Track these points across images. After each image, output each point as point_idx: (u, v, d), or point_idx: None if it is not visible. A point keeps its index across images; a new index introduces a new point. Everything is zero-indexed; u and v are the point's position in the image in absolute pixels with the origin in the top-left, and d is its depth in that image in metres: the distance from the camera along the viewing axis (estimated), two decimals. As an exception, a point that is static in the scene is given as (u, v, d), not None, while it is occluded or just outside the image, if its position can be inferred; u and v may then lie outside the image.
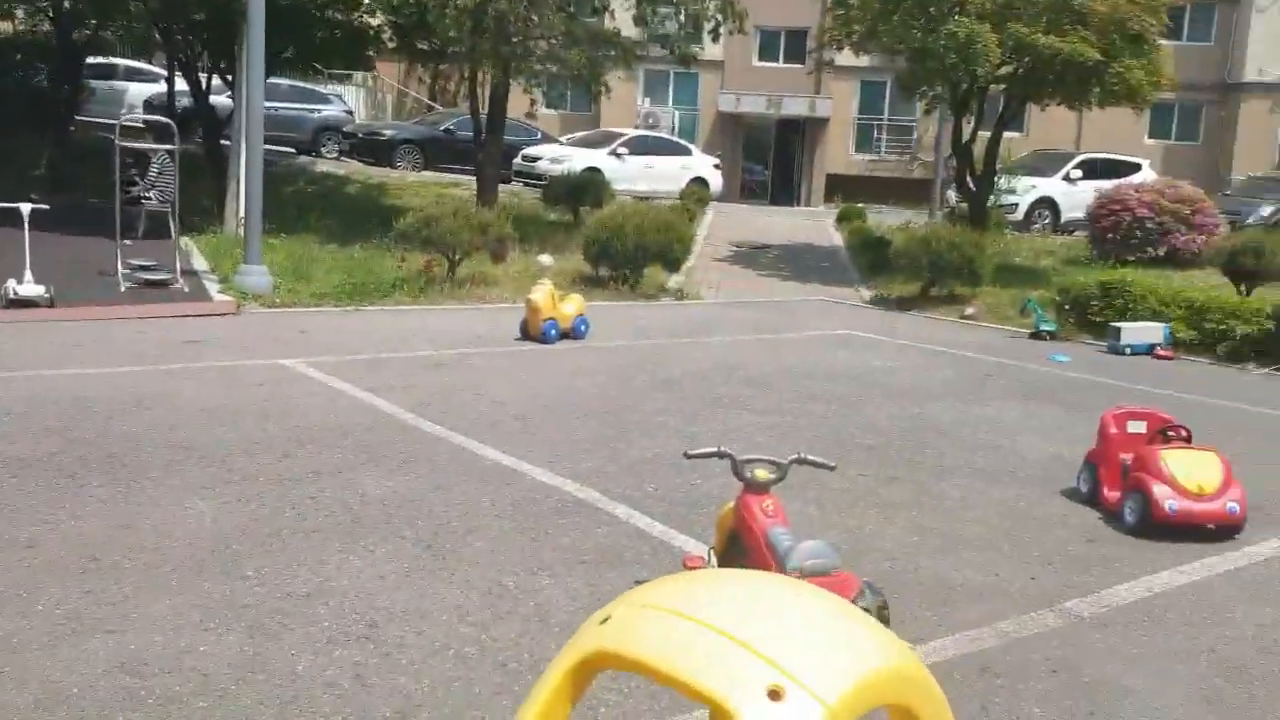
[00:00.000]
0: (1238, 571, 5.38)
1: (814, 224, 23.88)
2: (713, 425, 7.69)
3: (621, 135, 25.29)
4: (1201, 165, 30.38)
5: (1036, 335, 12.68)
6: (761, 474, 4.57)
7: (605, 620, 1.76)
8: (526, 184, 22.91)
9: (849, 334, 12.62)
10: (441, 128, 25.39)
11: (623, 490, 6.02)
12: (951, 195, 21.98)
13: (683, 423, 7.70)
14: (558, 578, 4.70)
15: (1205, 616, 4.79)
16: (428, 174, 23.68)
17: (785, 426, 7.77)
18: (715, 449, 4.60)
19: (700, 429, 7.54)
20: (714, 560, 4.77)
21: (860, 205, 25.13)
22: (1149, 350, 11.87)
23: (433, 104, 32.62)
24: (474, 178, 18.18)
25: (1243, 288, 14.06)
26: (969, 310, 14.27)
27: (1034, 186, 23.40)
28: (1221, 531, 5.82)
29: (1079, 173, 23.78)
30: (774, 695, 1.55)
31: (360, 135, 25.36)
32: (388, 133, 25.49)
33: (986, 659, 4.25)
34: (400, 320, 11.58)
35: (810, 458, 4.65)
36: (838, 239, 21.48)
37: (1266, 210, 22.77)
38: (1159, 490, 5.78)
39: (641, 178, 23.73)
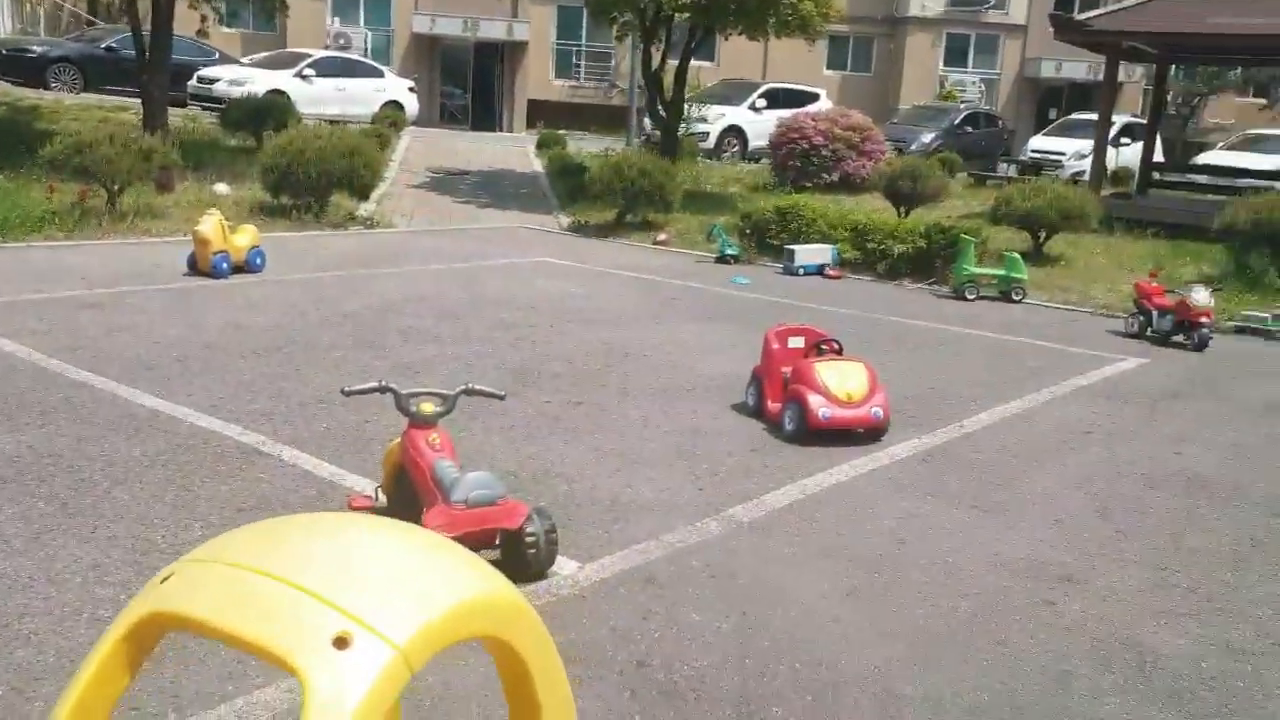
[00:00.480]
0: (880, 470, 5.85)
1: (515, 150, 23.70)
2: (396, 359, 7.49)
3: (309, 56, 23.94)
4: (874, 95, 32.62)
5: (722, 259, 13.22)
6: (427, 407, 4.47)
7: (166, 578, 1.63)
8: (204, 108, 21.28)
9: (545, 261, 12.65)
10: (103, 45, 23.03)
11: (292, 432, 5.75)
12: (647, 123, 22.41)
13: (363, 358, 7.45)
14: (213, 529, 4.42)
15: (851, 513, 5.18)
16: (90, 96, 21.47)
17: (472, 357, 7.69)
18: (377, 384, 4.45)
19: (382, 364, 7.32)
20: (382, 499, 4.64)
21: (561, 132, 25.19)
22: (819, 270, 12.67)
23: (93, 19, 29.54)
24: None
25: (902, 210, 15.26)
26: (661, 236, 14.67)
27: (723, 115, 24.29)
28: (869, 435, 6.31)
29: (763, 102, 24.89)
30: (340, 643, 1.47)
31: (4, 52, 22.60)
32: (38, 49, 22.86)
33: (651, 570, 4.40)
34: (51, 257, 10.48)
35: (478, 388, 4.60)
36: (538, 165, 21.44)
37: (927, 137, 24.79)
38: (813, 400, 6.18)
39: (332, 101, 22.63)
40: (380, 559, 1.60)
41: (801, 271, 12.58)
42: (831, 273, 12.63)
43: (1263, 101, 34.24)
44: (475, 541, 4.17)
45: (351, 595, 1.51)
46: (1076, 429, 6.77)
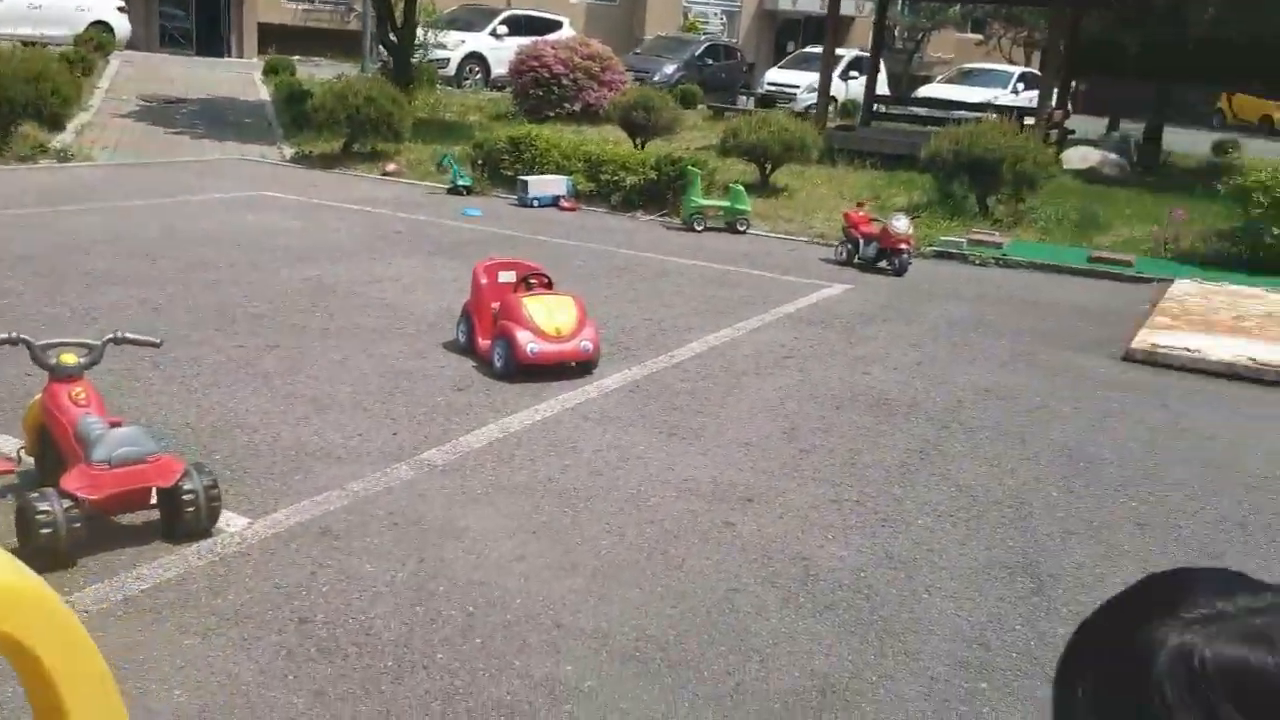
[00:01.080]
0: (587, 403, 5.86)
1: (239, 77, 22.21)
2: (75, 304, 6.86)
3: (-5, -32, 21.45)
4: (620, 25, 32.59)
5: (454, 190, 12.90)
6: (68, 359, 4.08)
7: None
8: None
9: (260, 195, 11.94)
10: None
11: (-66, 389, 5.15)
12: (382, 49, 21.49)
13: (36, 306, 6.78)
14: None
15: (550, 449, 5.16)
16: None
17: (162, 300, 7.15)
18: (6, 335, 4.01)
19: (59, 310, 6.69)
20: (27, 461, 4.23)
21: (295, 58, 23.79)
22: (554, 202, 12.58)
23: None
24: None
25: (638, 141, 15.34)
26: (390, 167, 14.15)
27: (464, 42, 23.64)
28: (580, 368, 6.30)
29: (505, 29, 24.40)
30: None
31: None
32: None
33: (328, 521, 4.21)
34: None
35: (130, 335, 4.24)
36: (264, 93, 20.18)
37: (670, 69, 25.04)
38: (521, 335, 6.10)
39: (23, 20, 20.43)
40: None
41: (536, 204, 12.44)
42: (566, 205, 12.56)
43: (979, 37, 36.59)
44: (126, 503, 3.87)
45: None
46: (778, 354, 7.02)
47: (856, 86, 24.03)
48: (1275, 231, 10.78)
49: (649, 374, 6.42)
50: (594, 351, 6.34)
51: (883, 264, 9.99)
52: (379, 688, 3.17)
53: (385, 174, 13.95)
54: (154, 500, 3.93)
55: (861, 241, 10.11)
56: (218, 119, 17.28)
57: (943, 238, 11.27)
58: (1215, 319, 8.51)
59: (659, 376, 6.39)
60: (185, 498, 3.86)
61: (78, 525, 3.62)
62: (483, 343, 6.44)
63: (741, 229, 11.75)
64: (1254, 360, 7.31)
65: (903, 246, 9.88)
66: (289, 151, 15.24)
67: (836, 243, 10.69)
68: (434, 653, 3.36)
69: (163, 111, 17.35)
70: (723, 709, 3.18)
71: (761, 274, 9.63)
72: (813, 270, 10.02)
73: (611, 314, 7.53)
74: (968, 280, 10.04)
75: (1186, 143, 21.95)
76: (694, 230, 11.60)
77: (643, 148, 14.91)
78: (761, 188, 13.65)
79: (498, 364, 6.20)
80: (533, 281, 6.57)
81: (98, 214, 10.03)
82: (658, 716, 3.14)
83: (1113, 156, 18.11)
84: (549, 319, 6.24)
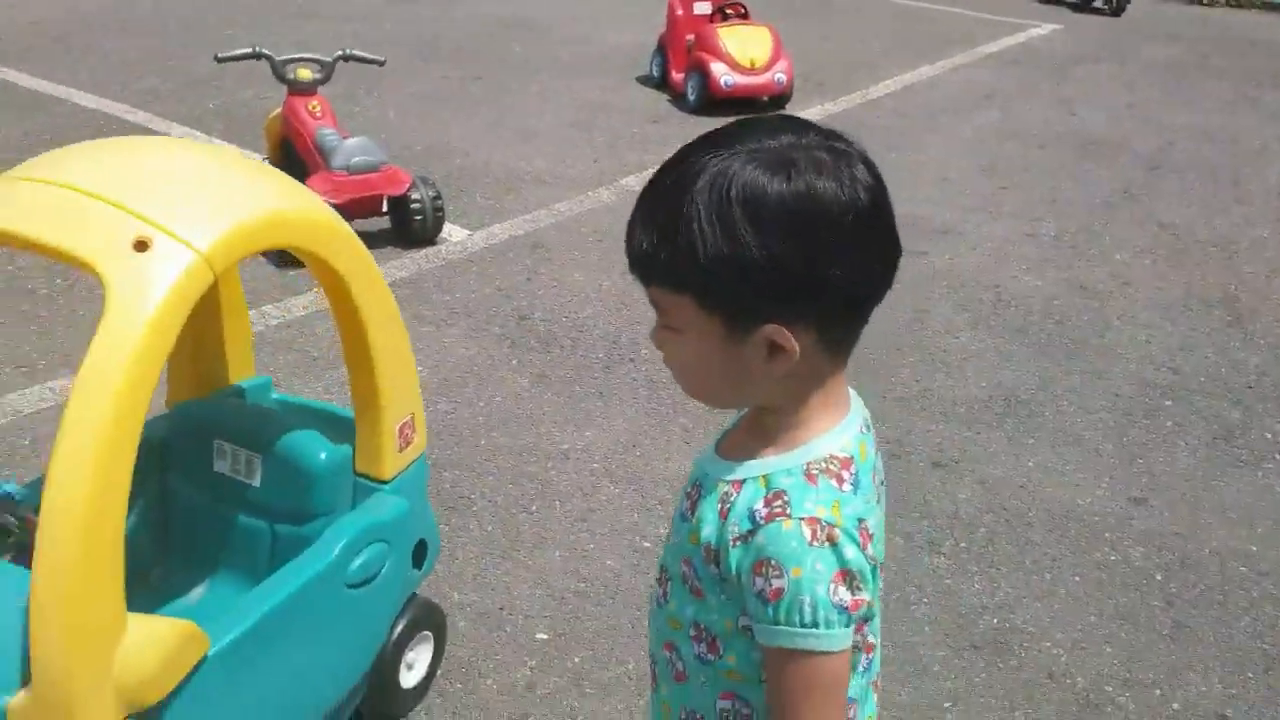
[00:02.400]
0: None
1: None
2: (288, 36, 7.21)
3: None
4: None
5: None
6: (304, 74, 4.38)
7: (-26, 198, 1.67)
8: None
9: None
10: None
11: (182, 109, 5.62)
12: None
13: (251, 37, 7.15)
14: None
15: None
16: None
17: (367, 32, 7.42)
18: (250, 49, 4.33)
19: (276, 38, 7.05)
20: (271, 169, 4.63)
21: None
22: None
23: None
24: None
25: None
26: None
27: None
28: (772, 102, 6.30)
29: None
30: (140, 246, 1.55)
31: None
32: None
33: (540, 236, 4.51)
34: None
35: (357, 53, 4.50)
36: None
37: None
38: (716, 67, 6.11)
39: None
40: (182, 171, 1.66)
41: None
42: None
43: None
44: (360, 209, 4.23)
45: (154, 204, 1.57)
46: (978, 94, 6.81)
47: None
48: None
49: (842, 110, 6.36)
50: (787, 85, 6.30)
51: (1098, 3, 9.32)
52: (592, 374, 3.50)
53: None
54: (384, 209, 4.29)
55: (1077, -22, 9.43)
56: None
57: (1168, -25, 10.36)
58: None
59: (852, 113, 6.32)
60: (414, 206, 4.20)
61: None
62: (676, 76, 6.48)
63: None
64: None
65: (1123, -18, 9.17)
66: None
67: (1049, -20, 10.00)
68: (639, 349, 3.66)
69: None
70: (914, 411, 3.38)
71: (964, 12, 9.16)
72: (1021, 9, 9.45)
73: (807, 48, 7.38)
74: (1191, 21, 9.30)
75: None
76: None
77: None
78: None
79: (691, 96, 6.26)
80: (729, 12, 6.50)
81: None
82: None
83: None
84: (744, 51, 6.20)
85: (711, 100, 6.13)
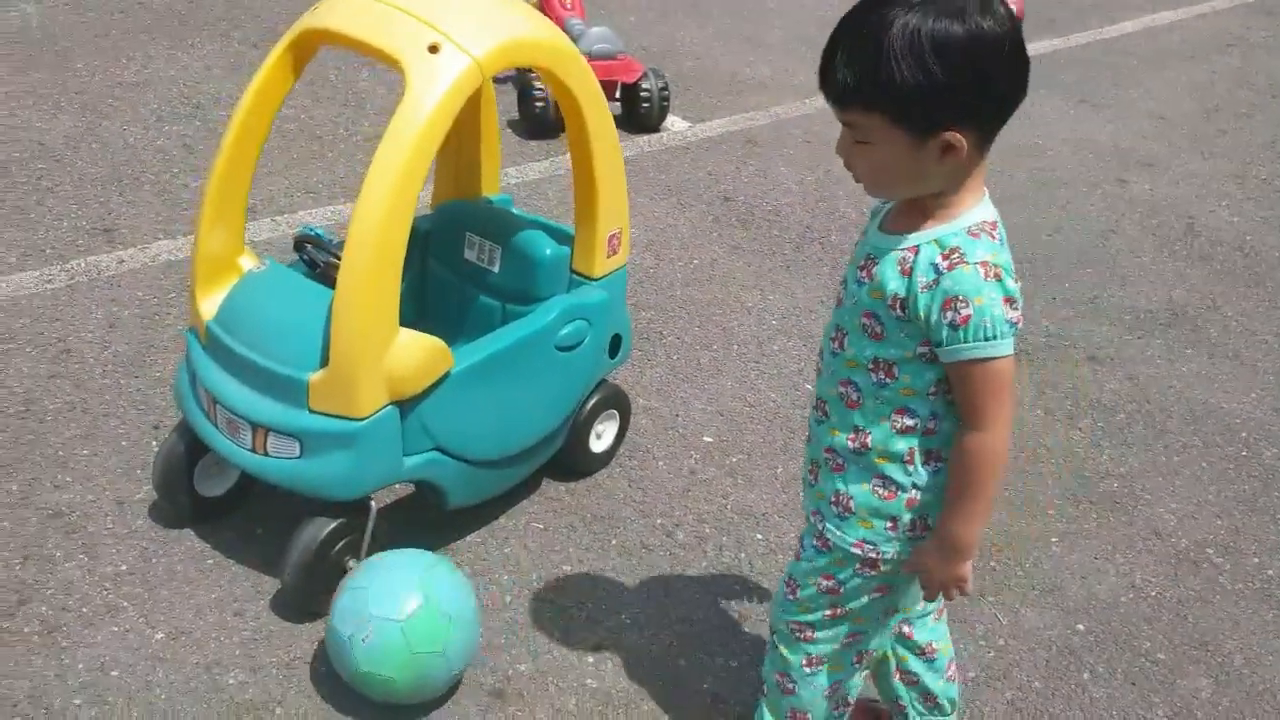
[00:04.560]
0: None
1: None
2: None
3: None
4: None
5: None
6: (559, -33, 4.88)
7: (315, 9, 2.23)
8: None
9: None
10: None
11: None
12: None
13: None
14: (379, 73, 5.09)
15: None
16: None
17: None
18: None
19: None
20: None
21: None
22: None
23: None
24: None
25: None
26: None
27: None
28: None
29: None
30: (433, 50, 2.06)
31: None
32: None
33: (753, 134, 4.89)
34: None
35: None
36: None
37: None
38: (946, -5, 6.24)
39: None
40: (465, 0, 2.15)
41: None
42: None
43: None
44: (597, 92, 4.72)
45: (444, 18, 2.07)
46: (1220, 40, 6.65)
47: None
48: None
49: (1072, 46, 6.38)
50: (1018, 17, 6.35)
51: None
52: (783, 250, 3.88)
53: None
54: (617, 95, 4.76)
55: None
56: None
57: None
58: None
59: (1083, 50, 6.33)
60: (643, 94, 4.65)
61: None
62: (908, 2, 6.64)
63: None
64: None
65: None
66: None
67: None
68: (829, 234, 4.01)
69: None
70: (1080, 314, 3.60)
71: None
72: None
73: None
74: None
75: None
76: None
77: None
78: None
79: (920, 23, 6.42)
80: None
81: None
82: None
83: None
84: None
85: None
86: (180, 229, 3.57)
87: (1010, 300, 1.40)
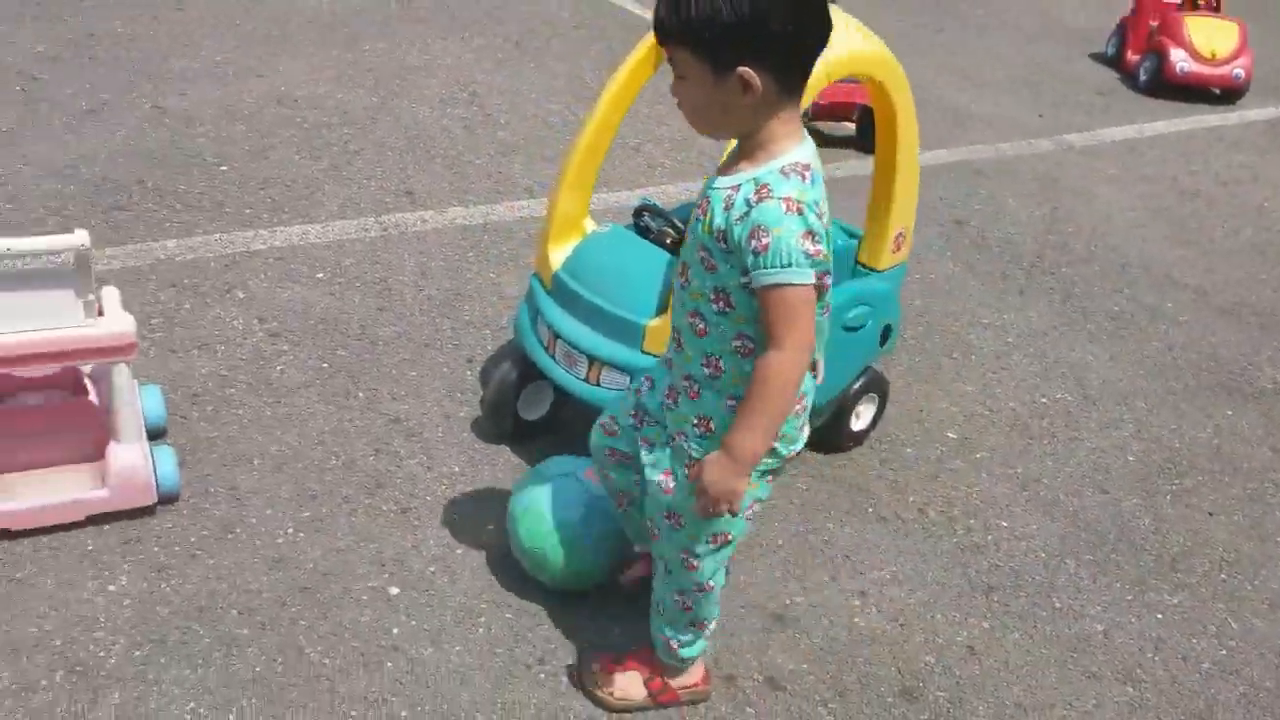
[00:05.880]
0: (1225, 127, 6.07)
1: None
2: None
3: None
4: None
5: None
6: None
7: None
8: None
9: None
10: None
11: None
12: None
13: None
14: (627, 75, 5.47)
15: (1179, 156, 5.56)
16: None
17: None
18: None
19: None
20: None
21: None
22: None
23: None
24: None
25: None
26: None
27: None
28: (1225, 96, 6.42)
29: None
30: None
31: None
32: None
33: (981, 165, 5.09)
34: None
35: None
36: None
37: None
38: (1175, 53, 6.32)
39: None
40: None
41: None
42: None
43: None
44: (833, 112, 4.99)
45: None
46: None
47: None
48: None
49: (1301, 113, 6.37)
50: (1245, 81, 6.39)
51: None
52: (1015, 276, 4.08)
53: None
54: (854, 116, 5.01)
55: None
56: None
57: None
58: None
59: (1310, 118, 6.32)
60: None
61: None
62: (1132, 57, 6.73)
63: None
64: None
65: None
66: None
67: None
68: (1059, 266, 4.19)
69: None
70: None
71: None
72: None
73: (1271, 45, 7.32)
74: None
75: None
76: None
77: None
78: None
79: (1143, 78, 6.50)
80: (1200, 3, 6.64)
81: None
82: (1232, 346, 3.75)
83: None
84: (1207, 42, 6.36)
85: (1162, 84, 6.35)
86: (471, 199, 3.99)
87: (810, 234, 1.53)
